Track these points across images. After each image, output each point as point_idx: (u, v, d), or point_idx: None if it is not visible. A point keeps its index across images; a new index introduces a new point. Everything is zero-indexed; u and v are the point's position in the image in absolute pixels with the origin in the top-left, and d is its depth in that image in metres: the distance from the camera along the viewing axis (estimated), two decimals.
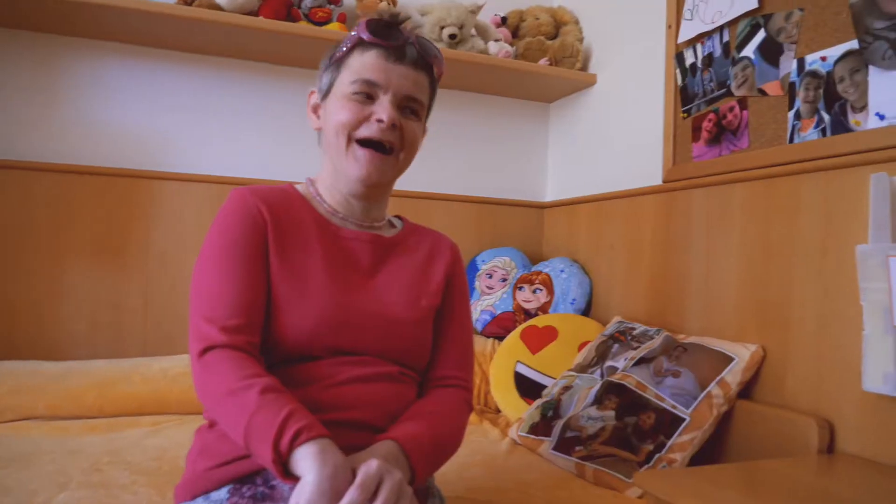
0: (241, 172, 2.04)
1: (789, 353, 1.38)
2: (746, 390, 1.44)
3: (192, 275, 0.95)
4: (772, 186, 1.45)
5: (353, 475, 0.76)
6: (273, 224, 0.97)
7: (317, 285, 0.96)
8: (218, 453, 0.91)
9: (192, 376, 0.89)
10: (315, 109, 1.05)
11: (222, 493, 0.89)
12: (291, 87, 2.09)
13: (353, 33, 1.00)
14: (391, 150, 0.99)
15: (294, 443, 0.76)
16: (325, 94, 1.02)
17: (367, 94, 0.97)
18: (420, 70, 1.00)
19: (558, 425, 1.54)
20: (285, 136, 2.09)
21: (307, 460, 0.74)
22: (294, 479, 0.76)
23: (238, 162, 2.05)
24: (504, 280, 2.18)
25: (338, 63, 1.00)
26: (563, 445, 1.48)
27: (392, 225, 1.13)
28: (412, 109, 1.00)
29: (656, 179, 1.82)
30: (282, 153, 2.09)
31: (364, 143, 0.97)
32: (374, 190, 1.03)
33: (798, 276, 1.37)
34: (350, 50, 0.99)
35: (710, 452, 1.43)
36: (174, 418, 1.65)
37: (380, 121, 0.95)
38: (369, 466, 0.76)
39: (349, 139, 0.97)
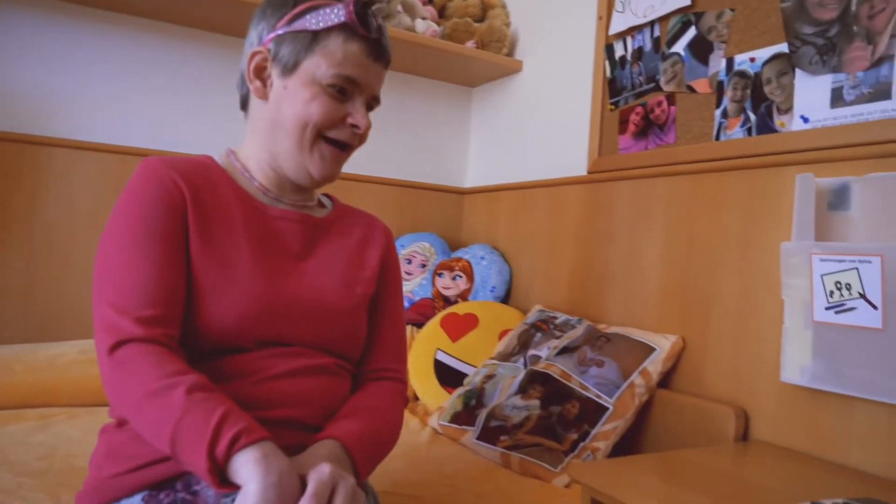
0: (141, 142, 1.87)
1: (708, 344, 1.42)
2: (666, 380, 1.47)
3: (97, 257, 0.84)
4: (696, 182, 1.48)
5: (300, 481, 0.69)
6: (193, 201, 0.86)
7: (243, 270, 0.87)
8: (129, 456, 0.81)
9: (101, 375, 0.78)
10: (260, 74, 0.92)
11: (135, 501, 0.80)
12: (201, 52, 1.93)
13: (334, 9, 0.88)
14: (350, 147, 0.95)
15: (232, 449, 0.68)
16: (289, 70, 0.89)
17: (344, 89, 0.90)
18: (385, 67, 0.95)
19: (482, 414, 1.52)
20: (192, 104, 1.93)
21: (248, 467, 0.67)
22: (232, 487, 0.68)
23: (138, 131, 1.87)
24: (423, 266, 2.13)
25: (313, 39, 0.88)
26: (488, 435, 1.46)
27: (322, 205, 1.05)
28: (371, 106, 0.96)
29: (581, 170, 1.83)
30: (188, 122, 1.93)
31: (332, 141, 0.92)
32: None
33: (719, 271, 1.41)
34: (330, 30, 0.88)
35: (630, 440, 1.46)
36: (63, 412, 1.49)
37: (356, 127, 0.91)
38: (321, 473, 0.69)
39: (316, 136, 0.90)
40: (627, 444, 1.44)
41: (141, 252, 0.81)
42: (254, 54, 0.91)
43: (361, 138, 0.94)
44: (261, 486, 0.65)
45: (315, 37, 0.88)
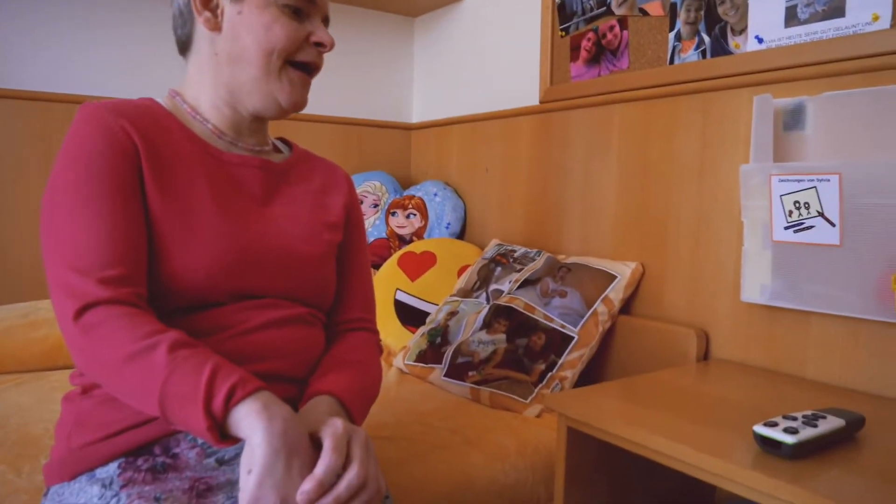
0: (69, 87, 1.72)
1: (667, 269, 1.45)
2: (627, 306, 1.50)
3: (43, 214, 0.77)
4: (651, 108, 1.48)
5: (308, 434, 0.68)
6: (146, 149, 0.80)
7: (207, 221, 0.82)
8: (101, 424, 0.77)
9: (67, 343, 0.73)
10: (208, 3, 0.84)
11: (111, 468, 0.76)
12: None
13: None
14: (316, 69, 0.91)
15: (229, 402, 0.65)
16: None
17: (299, 9, 0.85)
18: None
19: (448, 352, 1.52)
20: (120, 44, 1.79)
21: (250, 419, 0.64)
22: (232, 441, 0.66)
23: (65, 75, 1.72)
24: (375, 206, 2.08)
25: None
26: (455, 371, 1.47)
27: (277, 149, 0.99)
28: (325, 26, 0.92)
29: (533, 100, 1.80)
30: (118, 64, 1.79)
31: (299, 65, 0.87)
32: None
33: (676, 196, 1.43)
34: None
35: (596, 367, 1.49)
36: (9, 378, 1.41)
37: (321, 45, 0.87)
38: (335, 427, 0.68)
39: (283, 61, 0.85)
40: (593, 372, 1.48)
41: (96, 206, 0.75)
42: None
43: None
44: (266, 435, 0.63)
45: None
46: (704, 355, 1.36)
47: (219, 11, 0.84)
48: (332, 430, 0.68)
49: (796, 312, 1.19)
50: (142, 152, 0.79)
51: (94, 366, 0.72)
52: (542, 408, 1.34)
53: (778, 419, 0.84)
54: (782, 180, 1.14)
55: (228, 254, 0.82)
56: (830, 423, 0.84)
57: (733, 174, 1.30)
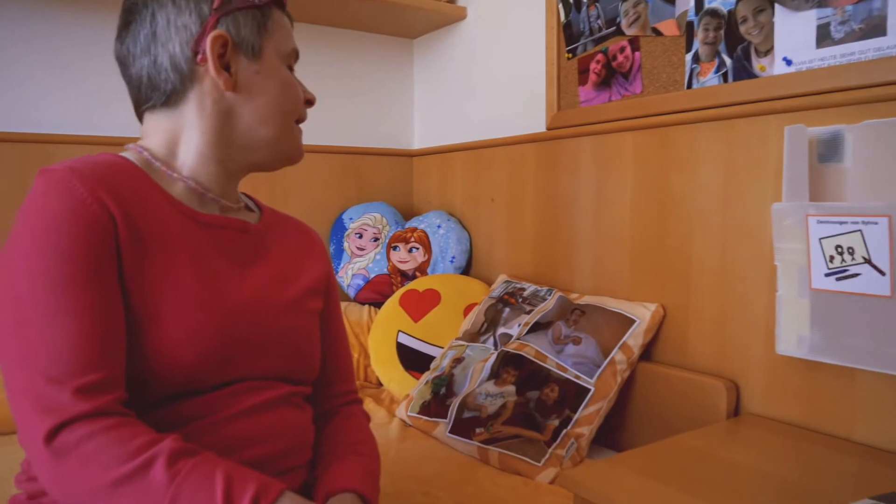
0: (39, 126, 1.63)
1: (690, 312, 1.32)
2: (647, 351, 1.38)
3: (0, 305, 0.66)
4: (668, 135, 1.35)
5: None
6: (124, 221, 0.69)
7: (192, 297, 0.72)
8: None
9: (36, 466, 0.62)
10: (222, 60, 0.77)
11: None
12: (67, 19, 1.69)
13: None
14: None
15: None
16: (256, 54, 0.79)
17: (292, 66, 0.86)
18: None
19: (454, 404, 1.40)
20: (64, 77, 1.69)
21: None
22: None
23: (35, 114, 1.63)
24: (376, 239, 1.97)
25: (262, 14, 0.80)
26: (462, 427, 1.35)
27: (248, 207, 0.90)
28: None
29: (539, 126, 1.68)
30: (55, 98, 1.70)
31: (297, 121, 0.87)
32: None
33: (697, 232, 1.30)
34: (268, 2, 0.81)
35: (613, 420, 1.37)
36: None
37: (311, 103, 0.87)
38: None
39: (295, 120, 0.86)
40: (611, 425, 1.35)
41: (68, 298, 0.64)
42: (216, 40, 0.76)
43: None
44: None
45: (261, 11, 0.80)
46: (735, 409, 1.23)
47: (233, 70, 0.78)
48: None
49: (841, 368, 1.06)
50: (119, 225, 0.69)
51: (74, 495, 0.61)
52: (556, 472, 1.21)
53: None
54: (821, 222, 1.01)
55: (220, 337, 0.73)
56: None
57: (762, 210, 1.18)
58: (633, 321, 1.36)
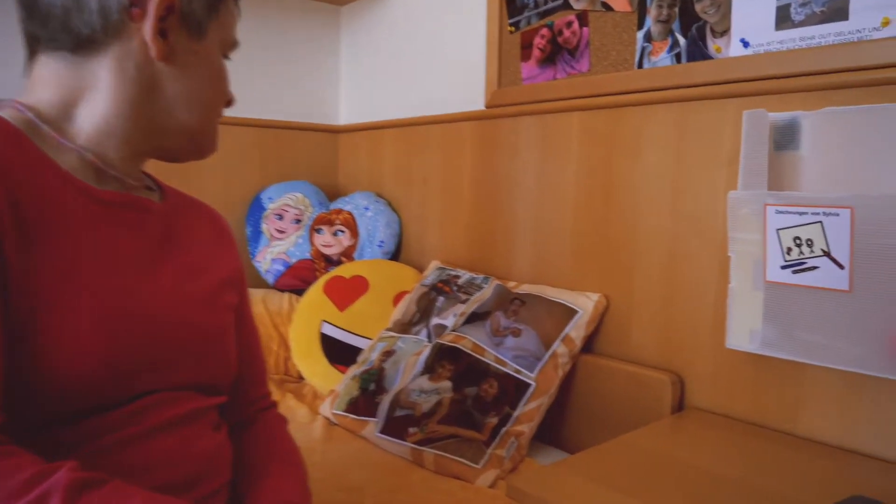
0: None
1: (634, 302, 1.27)
2: (588, 342, 1.31)
3: None
4: (616, 117, 1.29)
5: None
6: (3, 201, 0.55)
7: (92, 294, 0.59)
8: None
9: None
10: (161, 24, 0.64)
11: None
12: None
13: None
14: None
15: None
16: (199, 34, 0.68)
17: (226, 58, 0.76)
18: None
19: (384, 401, 1.29)
20: None
21: None
22: None
23: None
24: (298, 221, 1.83)
25: None
26: (394, 427, 1.24)
27: (148, 187, 0.75)
28: None
29: (478, 104, 1.58)
30: None
31: None
32: None
33: (645, 219, 1.25)
34: None
35: (554, 415, 1.30)
36: None
37: (230, 104, 0.77)
38: None
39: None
40: (551, 420, 1.28)
41: None
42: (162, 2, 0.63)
43: None
44: None
45: None
46: (679, 403, 1.18)
47: (170, 40, 0.65)
48: None
49: (790, 363, 1.03)
50: (4, 208, 0.55)
51: None
52: (496, 474, 1.13)
53: None
54: (780, 212, 0.97)
55: (123, 336, 0.60)
56: None
57: (714, 198, 1.13)
58: (575, 312, 1.29)
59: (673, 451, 0.97)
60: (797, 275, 0.96)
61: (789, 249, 0.96)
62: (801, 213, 0.94)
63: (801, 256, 0.95)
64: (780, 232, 0.97)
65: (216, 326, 0.72)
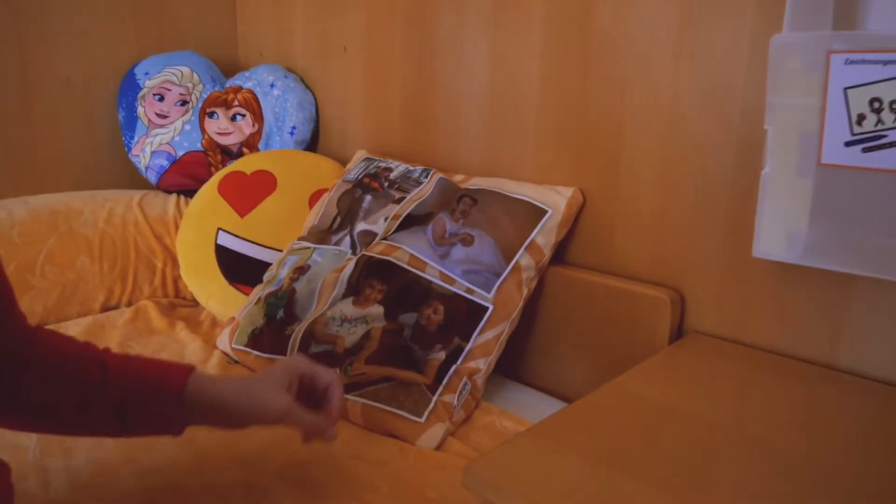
0: None
1: (619, 197, 0.97)
2: (558, 251, 1.03)
3: None
4: None
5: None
6: None
7: None
8: None
9: None
10: None
11: None
12: None
13: None
14: None
15: None
16: None
17: None
18: None
19: (296, 334, 0.99)
20: None
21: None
22: None
23: None
24: (184, 103, 1.43)
25: None
26: None
27: None
28: None
29: None
30: None
31: None
32: None
33: (635, 88, 0.93)
34: None
35: (515, 347, 1.03)
36: None
37: None
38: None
39: None
40: (511, 348, 1.00)
41: None
42: None
43: None
44: None
45: None
46: (678, 328, 0.92)
47: None
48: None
49: (833, 274, 0.76)
50: None
51: None
52: (445, 429, 0.86)
53: None
54: (852, 62, 0.66)
55: None
56: None
57: (735, 53, 0.82)
58: (543, 211, 0.99)
59: (679, 400, 0.71)
60: (869, 154, 0.67)
61: (861, 117, 0.67)
62: (885, 64, 0.64)
63: (880, 127, 0.66)
64: (850, 92, 0.67)
65: None
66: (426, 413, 0.86)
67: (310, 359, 0.72)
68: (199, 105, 1.43)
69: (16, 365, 0.62)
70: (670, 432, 0.64)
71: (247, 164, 1.33)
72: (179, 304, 1.31)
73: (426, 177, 1.14)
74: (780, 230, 0.76)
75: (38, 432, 0.76)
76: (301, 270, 1.10)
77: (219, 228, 1.25)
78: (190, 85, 1.44)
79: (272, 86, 1.43)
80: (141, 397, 0.64)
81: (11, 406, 0.63)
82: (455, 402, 0.88)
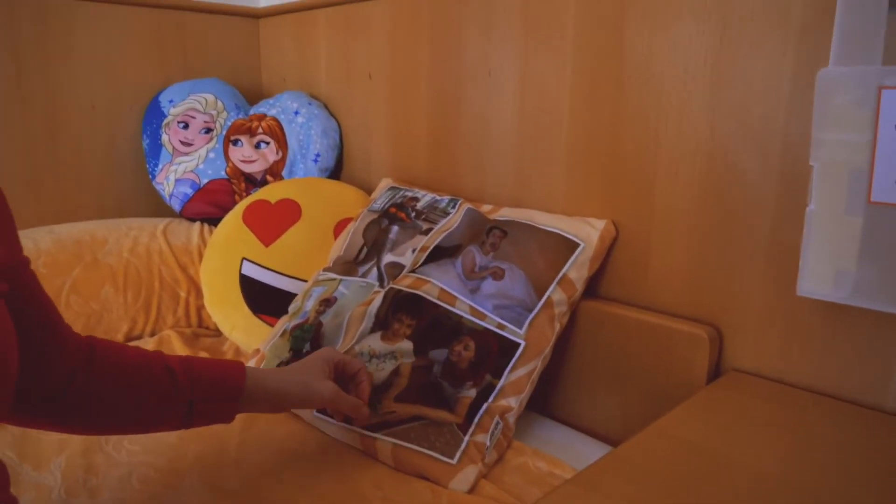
0: None
1: (654, 230, 0.95)
2: (590, 285, 1.00)
3: None
4: None
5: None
6: None
7: None
8: None
9: None
10: None
11: None
12: None
13: None
14: None
15: None
16: None
17: None
18: None
19: None
20: None
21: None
22: None
23: None
24: (209, 131, 1.43)
25: None
26: None
27: None
28: None
29: None
30: None
31: None
32: None
33: (670, 117, 0.91)
34: None
35: (547, 383, 1.00)
36: None
37: None
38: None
39: None
40: (543, 390, 0.98)
41: None
42: None
43: None
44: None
45: None
46: (716, 367, 0.89)
47: None
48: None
49: (883, 315, 0.74)
50: None
51: None
52: (477, 471, 0.83)
53: None
54: None
55: None
56: None
57: (776, 85, 0.80)
58: (576, 245, 0.97)
59: (724, 446, 0.68)
60: None
61: None
62: None
63: None
64: None
65: None
66: (458, 454, 0.84)
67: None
68: (224, 132, 1.43)
69: (77, 376, 0.66)
70: (719, 483, 0.61)
71: (271, 192, 1.33)
72: (203, 334, 1.30)
73: (453, 207, 1.12)
74: (826, 269, 0.73)
75: (105, 434, 0.86)
76: (327, 303, 1.08)
77: (243, 258, 1.24)
78: (214, 112, 1.44)
79: (296, 113, 1.43)
80: (207, 397, 0.71)
81: (76, 414, 0.67)
82: (487, 443, 0.85)
